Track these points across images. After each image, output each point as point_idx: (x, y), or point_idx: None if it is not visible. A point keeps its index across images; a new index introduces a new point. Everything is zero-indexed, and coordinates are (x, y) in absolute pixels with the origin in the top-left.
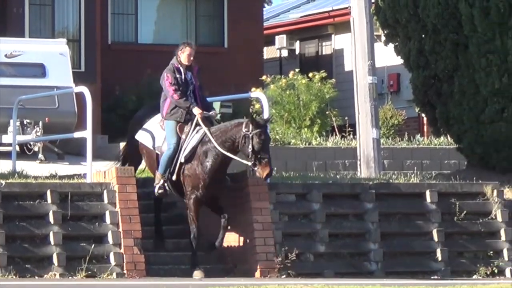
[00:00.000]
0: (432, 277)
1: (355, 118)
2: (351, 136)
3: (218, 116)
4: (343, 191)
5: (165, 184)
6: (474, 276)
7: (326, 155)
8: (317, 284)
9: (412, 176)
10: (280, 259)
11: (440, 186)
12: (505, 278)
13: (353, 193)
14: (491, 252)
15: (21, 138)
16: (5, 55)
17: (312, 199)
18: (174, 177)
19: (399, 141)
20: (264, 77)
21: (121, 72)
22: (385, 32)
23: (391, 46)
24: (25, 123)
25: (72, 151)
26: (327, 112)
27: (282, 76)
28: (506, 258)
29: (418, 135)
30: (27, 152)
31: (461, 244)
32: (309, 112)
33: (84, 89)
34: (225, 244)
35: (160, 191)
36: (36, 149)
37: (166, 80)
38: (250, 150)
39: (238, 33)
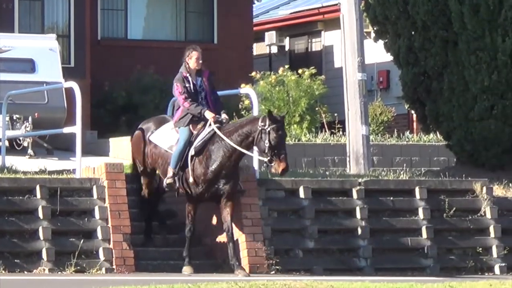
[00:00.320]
0: (421, 274)
1: (344, 114)
2: (341, 132)
3: None
4: (332, 187)
5: (175, 178)
6: (463, 273)
7: (315, 152)
8: (306, 280)
9: (402, 172)
10: (269, 255)
11: (429, 183)
12: (494, 275)
13: (342, 190)
14: (480, 248)
15: (11, 133)
16: None
17: (301, 195)
18: (185, 171)
19: (389, 137)
20: (253, 74)
21: (111, 68)
22: (375, 28)
23: (380, 43)
24: (14, 118)
25: (61, 146)
26: (316, 109)
27: (272, 72)
28: (495, 255)
29: (408, 132)
30: (17, 148)
31: (450, 241)
32: (298, 109)
33: (73, 85)
34: (214, 240)
35: (169, 181)
36: (25, 144)
37: (176, 89)
38: (267, 145)
39: (228, 29)
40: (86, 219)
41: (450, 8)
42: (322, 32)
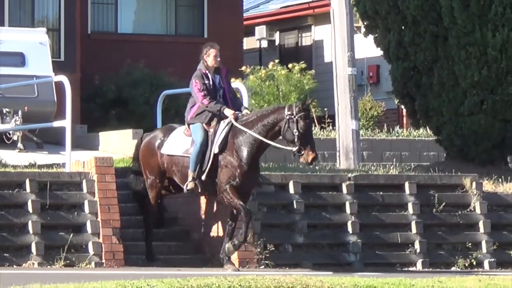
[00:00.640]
0: (410, 269)
1: (334, 109)
2: (330, 127)
3: None
4: (322, 182)
5: (196, 181)
6: (453, 268)
7: None
8: (295, 275)
9: (391, 167)
10: (258, 249)
11: (419, 178)
12: (483, 270)
13: (332, 184)
14: (470, 244)
15: (0, 127)
16: None
17: (291, 190)
18: (206, 172)
19: (378, 132)
20: (243, 68)
21: (101, 62)
22: (365, 23)
23: (370, 37)
24: (4, 112)
25: (51, 140)
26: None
27: (262, 67)
28: (484, 250)
29: (397, 127)
30: (6, 141)
31: (440, 236)
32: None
33: (63, 79)
34: (203, 234)
35: (190, 186)
36: (15, 138)
37: (194, 86)
38: (295, 134)
39: (218, 24)
40: (75, 213)
41: (440, 3)
42: (312, 27)
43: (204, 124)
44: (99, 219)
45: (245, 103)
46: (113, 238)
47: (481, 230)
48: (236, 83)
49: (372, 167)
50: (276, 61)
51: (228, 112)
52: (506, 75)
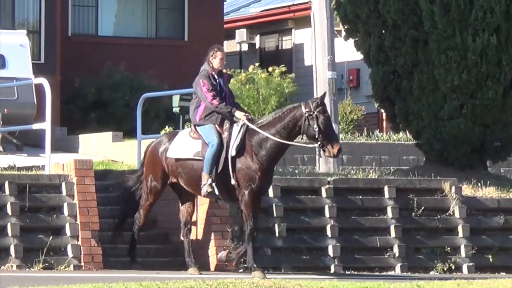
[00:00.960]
0: (389, 273)
1: None
2: None
3: (177, 109)
4: (301, 186)
5: (213, 184)
6: (431, 272)
7: None
8: (274, 278)
9: (371, 171)
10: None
11: (398, 182)
12: (462, 274)
13: (311, 188)
14: (449, 248)
15: None
16: None
17: (271, 194)
18: (220, 174)
19: (358, 136)
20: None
21: (81, 64)
22: (345, 27)
23: (351, 41)
24: None
25: (31, 142)
26: None
27: (242, 70)
28: (463, 255)
29: (377, 131)
30: None
31: (419, 240)
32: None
33: (43, 81)
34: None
35: (209, 190)
36: None
37: (202, 86)
38: (316, 130)
39: (198, 27)
40: (54, 215)
41: (420, 7)
42: (293, 30)
43: (217, 125)
44: (78, 221)
45: None
46: (92, 241)
47: (460, 234)
48: None
49: (352, 171)
50: (257, 64)
51: (239, 114)
52: (486, 79)
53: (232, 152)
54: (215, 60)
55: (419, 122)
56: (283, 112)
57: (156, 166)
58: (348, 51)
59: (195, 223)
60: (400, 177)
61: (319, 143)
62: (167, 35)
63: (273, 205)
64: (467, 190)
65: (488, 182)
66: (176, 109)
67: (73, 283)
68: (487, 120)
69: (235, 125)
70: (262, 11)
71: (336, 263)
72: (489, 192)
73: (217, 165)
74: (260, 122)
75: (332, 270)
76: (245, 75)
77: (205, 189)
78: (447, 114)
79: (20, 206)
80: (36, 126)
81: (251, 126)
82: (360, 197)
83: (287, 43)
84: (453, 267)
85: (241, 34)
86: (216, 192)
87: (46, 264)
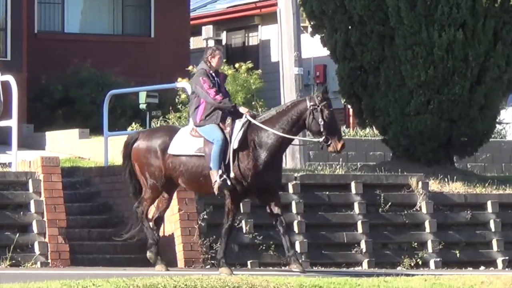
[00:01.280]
0: (356, 268)
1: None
2: None
3: (144, 106)
4: None
5: (224, 175)
6: (399, 268)
7: None
8: (241, 274)
9: (338, 167)
10: (204, 249)
11: (365, 178)
12: (429, 270)
13: None
14: (416, 243)
15: None
16: None
17: None
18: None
19: None
20: (190, 68)
21: (48, 61)
22: (312, 23)
23: (317, 37)
24: None
25: None
26: (253, 103)
27: None
28: (430, 250)
29: (344, 126)
30: None
31: (386, 236)
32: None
33: (10, 78)
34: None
35: (221, 179)
36: None
37: (203, 83)
38: (321, 124)
39: (165, 23)
40: (21, 212)
41: (387, 3)
42: (259, 27)
43: (219, 123)
44: (45, 218)
45: None
46: (59, 238)
47: (427, 229)
48: (182, 83)
49: (319, 167)
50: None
51: (243, 109)
52: (452, 75)
53: (234, 145)
54: (214, 59)
55: (386, 117)
56: (287, 106)
57: (154, 163)
58: (314, 47)
59: (162, 219)
60: (367, 172)
61: (323, 137)
62: (134, 32)
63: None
64: (434, 185)
65: (455, 178)
66: (142, 106)
67: (40, 280)
68: (454, 115)
69: (237, 121)
70: (228, 7)
71: (303, 259)
72: (456, 188)
73: (225, 159)
74: (263, 117)
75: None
76: None
77: (217, 184)
78: (413, 109)
79: None
80: (2, 123)
81: (254, 121)
82: (327, 193)
83: (253, 40)
84: (420, 263)
85: (207, 30)
86: (229, 182)
87: (13, 261)
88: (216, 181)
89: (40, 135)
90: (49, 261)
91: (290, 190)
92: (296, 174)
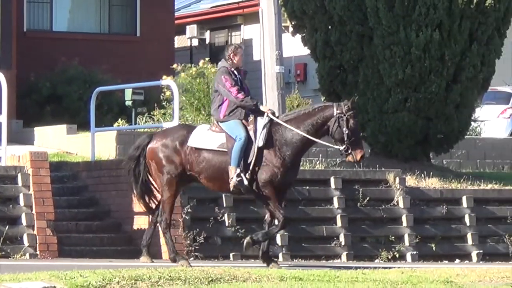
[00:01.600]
0: (335, 261)
1: None
2: None
3: (130, 103)
4: None
5: (242, 174)
6: (376, 261)
7: None
8: (223, 266)
9: (317, 163)
10: (188, 242)
11: (344, 173)
12: (406, 263)
13: None
14: (393, 237)
15: None
16: None
17: None
18: (251, 166)
19: None
20: (175, 66)
21: (36, 59)
22: (293, 23)
23: (298, 36)
24: None
25: None
26: None
27: (193, 64)
28: (407, 243)
29: None
30: None
31: (364, 230)
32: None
33: None
34: (135, 227)
35: (238, 179)
36: None
37: (225, 82)
38: (345, 133)
39: (150, 23)
40: (11, 205)
41: (366, 4)
42: (242, 26)
43: (243, 120)
44: (33, 211)
45: (176, 99)
46: (47, 230)
47: (404, 224)
48: (167, 81)
49: None
50: (207, 59)
51: (264, 108)
52: (429, 73)
53: (259, 143)
54: (236, 57)
55: (364, 115)
56: (313, 109)
57: (173, 158)
58: (295, 46)
59: (146, 213)
60: (346, 168)
61: (344, 146)
62: (120, 31)
63: (223, 195)
64: (411, 181)
65: (431, 173)
66: (128, 103)
67: (29, 271)
68: (430, 113)
69: (259, 118)
70: (212, 7)
71: (284, 252)
72: (432, 183)
73: (246, 158)
74: (285, 116)
75: (280, 259)
76: (195, 70)
77: (233, 182)
78: (391, 107)
79: None
80: None
81: (277, 120)
82: (307, 187)
83: (236, 39)
84: (397, 256)
85: (191, 29)
86: (245, 182)
87: (3, 253)
88: (232, 178)
89: (29, 130)
90: (38, 252)
91: None
92: None
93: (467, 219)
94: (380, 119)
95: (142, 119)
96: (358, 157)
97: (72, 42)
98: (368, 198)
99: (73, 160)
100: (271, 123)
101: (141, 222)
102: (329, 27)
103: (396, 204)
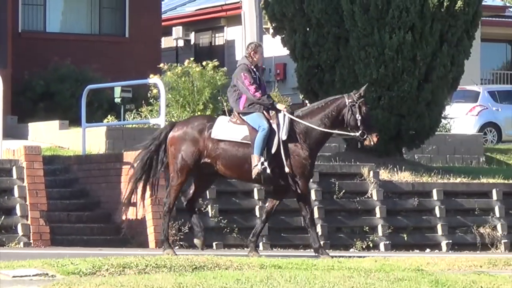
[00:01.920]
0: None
1: None
2: None
3: (119, 100)
4: None
5: (265, 163)
6: (351, 250)
7: None
8: (207, 255)
9: None
10: (174, 231)
11: (321, 167)
12: (379, 252)
13: None
14: (367, 227)
15: None
16: None
17: None
18: (272, 156)
19: None
20: (161, 65)
21: (31, 59)
22: (273, 25)
23: (278, 38)
24: None
25: None
26: (219, 98)
27: (178, 64)
28: (380, 234)
29: None
30: None
31: (340, 220)
32: (202, 97)
33: None
34: (123, 217)
35: (262, 167)
36: None
37: (244, 79)
38: (359, 119)
39: (138, 24)
40: (6, 197)
41: (342, 7)
42: (225, 28)
43: (264, 112)
44: (27, 202)
45: (162, 97)
46: (40, 220)
47: (378, 215)
48: (154, 79)
49: None
50: (192, 59)
51: (280, 106)
52: (402, 73)
53: (283, 136)
54: (256, 55)
55: None
56: (326, 102)
57: (192, 146)
58: (275, 47)
59: (134, 204)
60: (323, 162)
61: (360, 131)
62: (110, 32)
63: None
64: (384, 174)
65: (403, 168)
66: (117, 100)
67: (23, 259)
68: (403, 111)
69: (279, 113)
70: (196, 10)
71: (264, 241)
72: (404, 177)
73: (270, 148)
74: (301, 112)
75: (261, 248)
76: (181, 69)
77: (256, 169)
78: None
79: None
80: None
81: (293, 117)
82: None
83: (219, 40)
84: (371, 245)
85: (177, 31)
86: (268, 170)
87: None
88: (256, 165)
89: (23, 126)
90: (31, 241)
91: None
92: None
93: (437, 211)
94: None
95: (131, 116)
96: (375, 139)
97: (64, 42)
98: (343, 191)
99: (65, 154)
100: (290, 119)
101: (129, 213)
102: (308, 29)
103: (370, 196)
